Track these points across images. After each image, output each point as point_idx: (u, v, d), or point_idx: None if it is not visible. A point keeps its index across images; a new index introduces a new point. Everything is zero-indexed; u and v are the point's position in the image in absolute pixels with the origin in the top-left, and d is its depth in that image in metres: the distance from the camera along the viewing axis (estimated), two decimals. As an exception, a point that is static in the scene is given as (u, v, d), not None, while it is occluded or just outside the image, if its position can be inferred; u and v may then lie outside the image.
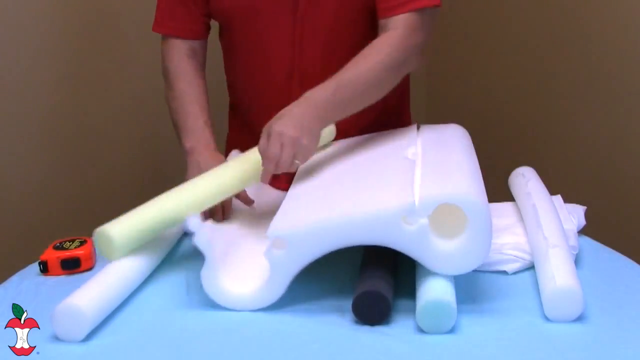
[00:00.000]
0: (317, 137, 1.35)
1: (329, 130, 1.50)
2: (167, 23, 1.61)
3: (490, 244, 1.13)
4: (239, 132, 1.70)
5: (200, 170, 1.40)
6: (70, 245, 1.35)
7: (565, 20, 2.12)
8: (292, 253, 1.15)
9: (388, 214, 1.13)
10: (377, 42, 1.46)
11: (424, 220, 1.12)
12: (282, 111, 1.34)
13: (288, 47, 1.55)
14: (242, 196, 1.43)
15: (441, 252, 1.13)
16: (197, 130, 1.52)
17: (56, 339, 1.11)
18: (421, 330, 1.09)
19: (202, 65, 1.64)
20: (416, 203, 1.13)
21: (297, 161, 1.31)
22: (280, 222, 1.20)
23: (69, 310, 1.10)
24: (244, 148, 1.46)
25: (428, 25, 1.49)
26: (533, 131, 2.31)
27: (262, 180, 1.32)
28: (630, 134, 1.93)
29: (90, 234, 1.43)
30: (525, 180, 1.46)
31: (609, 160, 2.02)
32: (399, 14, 1.46)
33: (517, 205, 1.43)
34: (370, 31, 1.51)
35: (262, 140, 1.31)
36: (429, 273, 1.14)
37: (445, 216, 1.13)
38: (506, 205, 1.46)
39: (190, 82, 1.59)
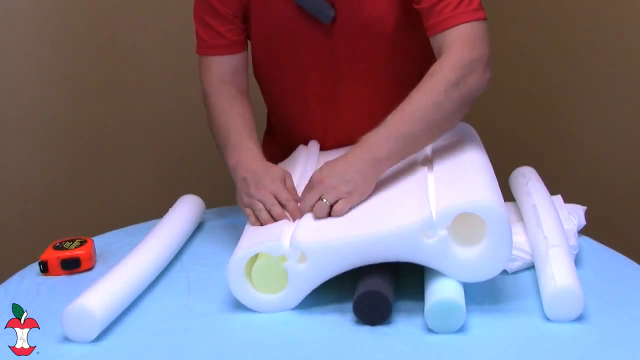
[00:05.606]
0: (360, 184, 1.26)
1: None
2: (210, 42, 1.49)
3: (511, 248, 1.13)
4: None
5: (248, 187, 1.32)
6: (70, 245, 1.35)
7: (565, 20, 2.12)
8: (313, 267, 1.16)
9: (408, 231, 1.12)
10: (431, 69, 1.33)
11: (444, 232, 1.12)
12: (331, 162, 1.29)
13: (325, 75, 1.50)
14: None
15: (463, 261, 1.12)
16: (240, 145, 1.40)
17: (56, 339, 1.11)
18: (421, 331, 1.09)
19: (244, 83, 1.53)
20: (434, 216, 1.12)
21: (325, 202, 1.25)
22: (302, 235, 1.18)
23: (80, 311, 1.09)
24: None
25: (483, 38, 1.38)
26: (533, 131, 2.31)
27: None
28: (630, 134, 1.93)
29: (90, 234, 1.43)
30: (526, 180, 1.46)
31: (609, 161, 2.02)
32: (445, 29, 1.35)
33: (517, 205, 1.43)
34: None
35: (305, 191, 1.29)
36: (437, 272, 1.14)
37: (464, 223, 1.12)
38: (506, 205, 1.46)
39: (230, 102, 1.48)
